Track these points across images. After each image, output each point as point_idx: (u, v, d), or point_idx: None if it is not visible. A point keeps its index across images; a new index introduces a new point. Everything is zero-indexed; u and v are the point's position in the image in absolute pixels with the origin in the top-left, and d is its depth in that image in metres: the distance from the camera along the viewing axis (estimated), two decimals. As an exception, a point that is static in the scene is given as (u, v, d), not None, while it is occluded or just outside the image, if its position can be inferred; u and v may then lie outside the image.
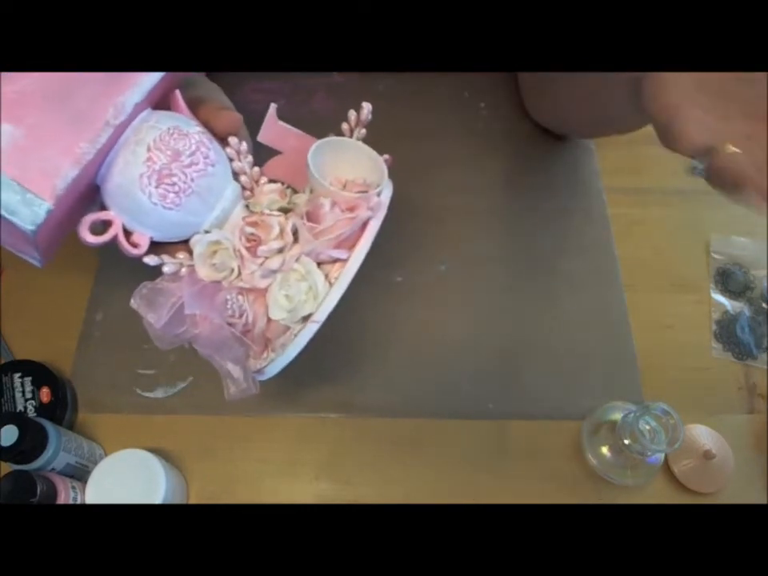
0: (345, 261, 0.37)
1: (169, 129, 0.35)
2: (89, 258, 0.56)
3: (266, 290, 0.37)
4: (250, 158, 0.39)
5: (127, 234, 0.36)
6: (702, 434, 0.50)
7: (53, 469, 0.44)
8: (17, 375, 0.49)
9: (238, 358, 0.37)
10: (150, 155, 0.34)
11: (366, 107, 0.40)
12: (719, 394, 0.53)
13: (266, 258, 0.36)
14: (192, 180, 0.35)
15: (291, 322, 0.37)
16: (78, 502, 0.43)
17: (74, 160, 0.32)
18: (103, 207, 0.37)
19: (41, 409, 0.48)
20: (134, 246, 0.36)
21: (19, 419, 0.42)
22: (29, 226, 0.31)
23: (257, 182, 0.40)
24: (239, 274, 0.37)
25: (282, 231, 0.37)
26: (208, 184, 0.36)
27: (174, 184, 0.35)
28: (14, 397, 0.48)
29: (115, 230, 0.36)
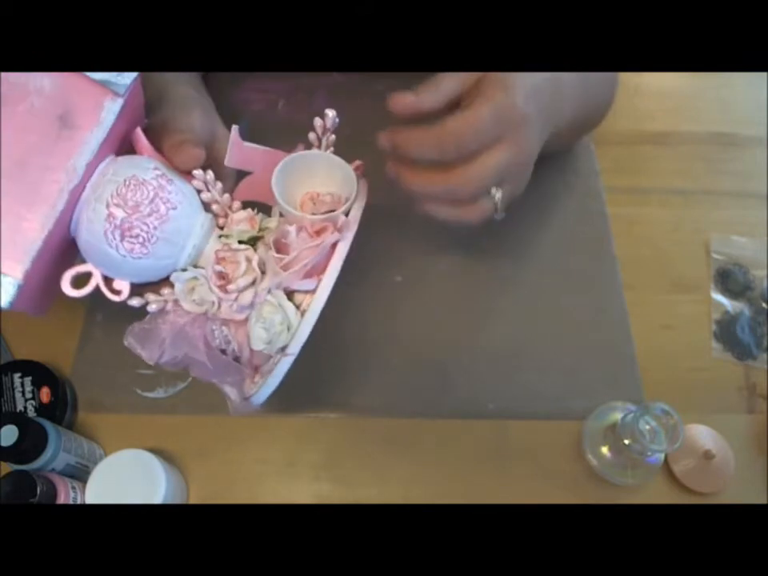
0: (313, 292, 0.37)
1: (125, 180, 0.35)
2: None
3: (246, 320, 0.37)
4: (219, 185, 0.39)
5: (108, 280, 0.37)
6: (703, 434, 0.50)
7: (53, 469, 0.44)
8: (17, 375, 0.49)
9: (235, 382, 0.38)
10: (109, 211, 0.35)
11: (330, 113, 0.40)
12: (719, 394, 0.53)
13: (239, 293, 0.37)
14: (155, 228, 0.35)
15: (272, 351, 0.37)
16: (78, 502, 0.43)
17: (35, 234, 0.34)
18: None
19: (41, 409, 0.48)
20: (116, 293, 0.37)
21: (19, 419, 0.42)
22: (3, 305, 0.33)
23: (230, 207, 0.40)
24: (219, 306, 0.37)
25: (249, 266, 0.37)
26: (173, 227, 0.36)
27: (137, 236, 0.35)
28: (13, 397, 0.48)
29: (95, 281, 0.37)
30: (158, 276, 0.38)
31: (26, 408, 0.48)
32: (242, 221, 0.39)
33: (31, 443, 0.42)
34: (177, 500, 0.45)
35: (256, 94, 0.63)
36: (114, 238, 0.35)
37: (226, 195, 0.39)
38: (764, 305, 0.56)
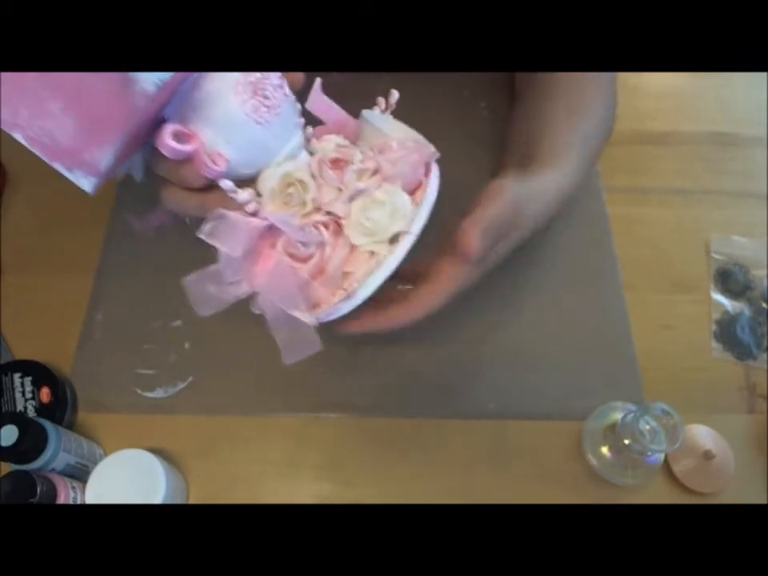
0: (426, 179, 0.39)
1: None
2: (89, 258, 0.56)
3: (340, 224, 0.38)
4: (303, 120, 0.41)
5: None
6: (703, 434, 0.50)
7: (53, 469, 0.44)
8: (17, 375, 0.49)
9: (307, 306, 0.38)
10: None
11: (395, 93, 0.41)
12: (719, 394, 0.53)
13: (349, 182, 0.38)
14: (279, 104, 0.36)
15: (375, 245, 0.38)
16: (78, 502, 0.43)
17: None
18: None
19: (41, 409, 0.48)
20: (214, 164, 0.36)
21: (19, 419, 0.42)
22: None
23: (309, 140, 0.41)
24: (311, 209, 0.38)
25: (366, 156, 0.38)
26: (289, 112, 0.37)
27: (267, 98, 0.36)
28: (14, 397, 0.49)
29: (197, 143, 0.35)
30: (255, 158, 0.37)
31: (26, 408, 0.48)
32: (331, 141, 0.40)
33: (31, 443, 0.42)
34: (177, 500, 0.45)
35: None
36: (245, 92, 0.35)
37: (309, 127, 0.41)
38: (764, 305, 0.56)
